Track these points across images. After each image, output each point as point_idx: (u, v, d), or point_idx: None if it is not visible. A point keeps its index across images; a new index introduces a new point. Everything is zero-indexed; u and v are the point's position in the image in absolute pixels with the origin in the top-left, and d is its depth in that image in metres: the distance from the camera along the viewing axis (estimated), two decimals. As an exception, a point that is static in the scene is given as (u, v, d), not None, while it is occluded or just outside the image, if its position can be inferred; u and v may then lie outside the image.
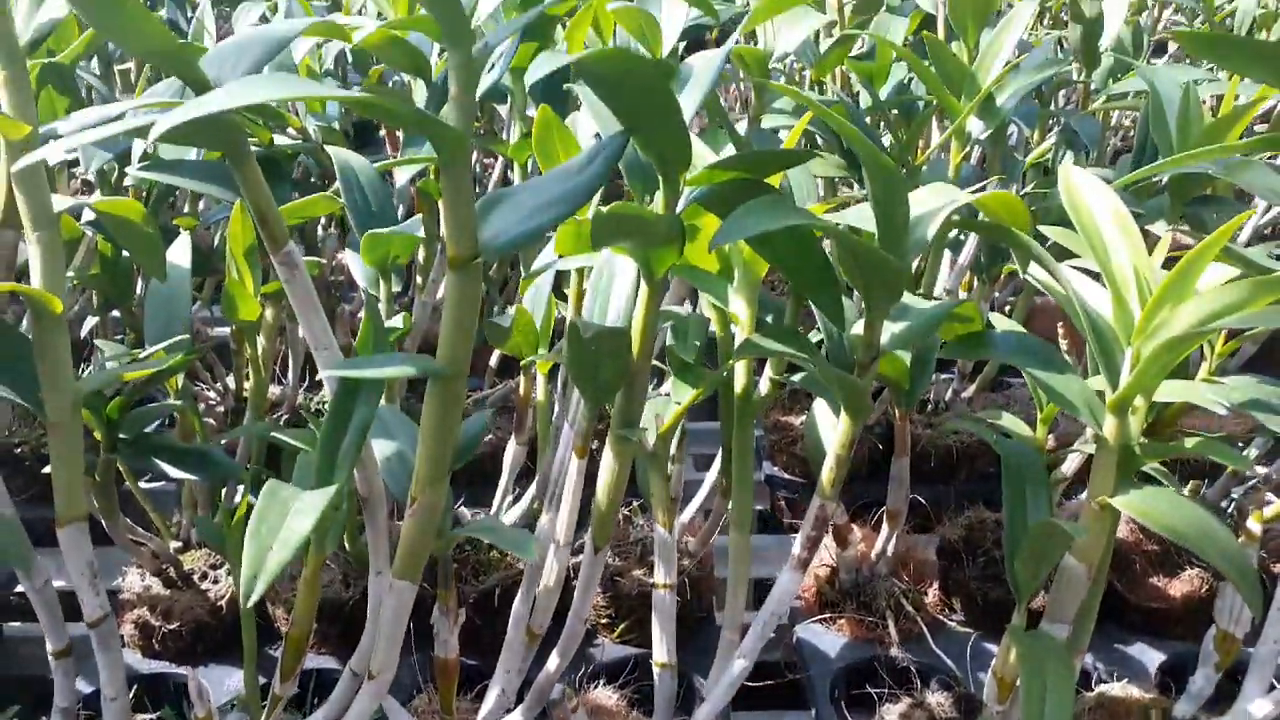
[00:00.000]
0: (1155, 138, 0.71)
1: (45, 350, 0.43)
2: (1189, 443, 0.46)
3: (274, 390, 0.82)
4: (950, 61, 0.67)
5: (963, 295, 0.91)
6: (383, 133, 1.00)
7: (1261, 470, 0.71)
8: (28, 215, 0.42)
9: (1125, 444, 0.44)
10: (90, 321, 0.71)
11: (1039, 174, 0.90)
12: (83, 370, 0.77)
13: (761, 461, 0.80)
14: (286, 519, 0.33)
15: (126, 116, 0.41)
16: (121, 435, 0.51)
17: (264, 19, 1.04)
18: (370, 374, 0.34)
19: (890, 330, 0.46)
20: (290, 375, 0.80)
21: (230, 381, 0.77)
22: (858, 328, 0.46)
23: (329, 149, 0.57)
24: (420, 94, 0.80)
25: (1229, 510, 0.67)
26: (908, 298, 0.48)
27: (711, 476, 0.71)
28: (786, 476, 0.78)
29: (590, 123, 0.58)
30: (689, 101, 0.40)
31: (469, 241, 0.35)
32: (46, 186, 0.42)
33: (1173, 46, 1.39)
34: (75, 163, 0.70)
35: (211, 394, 0.79)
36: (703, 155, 0.50)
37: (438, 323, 0.87)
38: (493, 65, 0.52)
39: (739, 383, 0.51)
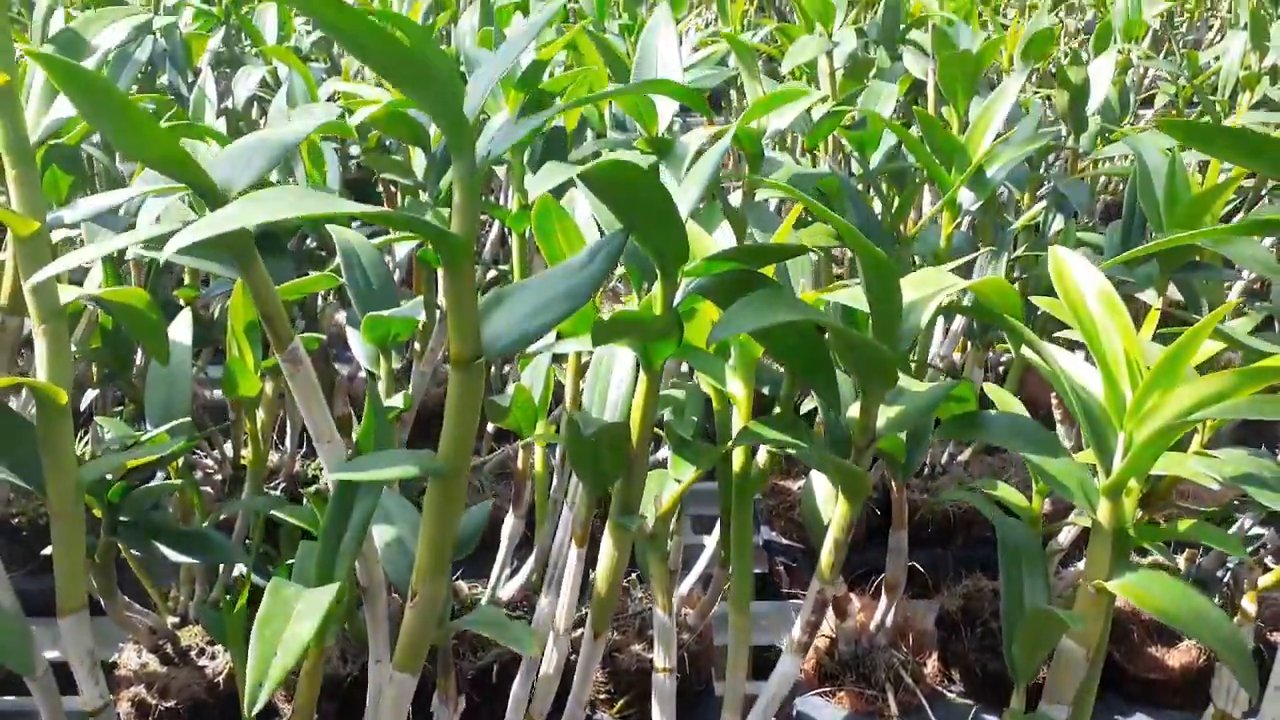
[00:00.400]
0: (1143, 205, 0.72)
1: (49, 439, 0.44)
2: (1182, 526, 0.47)
3: (272, 456, 0.82)
4: (940, 135, 0.68)
5: (956, 356, 0.92)
6: (380, 189, 1.01)
7: (1260, 530, 0.72)
8: (35, 308, 0.43)
9: (1120, 527, 0.45)
10: (90, 394, 0.72)
11: (1029, 235, 0.91)
12: (81, 438, 0.77)
13: (759, 526, 0.80)
14: (290, 622, 0.34)
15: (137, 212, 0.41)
16: (122, 518, 0.51)
17: (264, 82, 1.06)
18: (372, 476, 0.35)
19: (886, 414, 0.46)
20: (288, 441, 0.80)
21: (228, 449, 0.78)
22: (854, 410, 0.47)
23: (330, 228, 0.58)
24: (419, 162, 0.81)
25: (1224, 579, 0.67)
26: (903, 380, 0.48)
27: (710, 543, 0.72)
28: (785, 542, 0.79)
29: (588, 200, 0.59)
30: (685, 201, 0.41)
31: (472, 342, 0.36)
32: (54, 282, 0.43)
33: (1159, 102, 1.42)
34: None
35: (209, 461, 0.79)
36: (698, 238, 0.51)
37: (436, 385, 0.88)
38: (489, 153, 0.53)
39: (737, 462, 0.51)
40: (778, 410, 0.61)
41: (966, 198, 0.70)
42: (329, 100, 0.94)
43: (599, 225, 0.52)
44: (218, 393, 0.97)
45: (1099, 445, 0.45)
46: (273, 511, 0.54)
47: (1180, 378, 0.44)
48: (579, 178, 0.34)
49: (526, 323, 0.37)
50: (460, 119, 0.34)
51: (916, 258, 0.76)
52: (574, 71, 0.71)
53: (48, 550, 0.46)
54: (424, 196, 0.79)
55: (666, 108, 0.62)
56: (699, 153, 0.57)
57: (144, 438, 0.51)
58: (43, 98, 0.43)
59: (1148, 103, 1.48)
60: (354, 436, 0.75)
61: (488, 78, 0.37)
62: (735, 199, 0.75)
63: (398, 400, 0.55)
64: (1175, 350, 0.43)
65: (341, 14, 0.30)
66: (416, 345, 0.74)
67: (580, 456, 0.41)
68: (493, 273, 1.05)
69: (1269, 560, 0.70)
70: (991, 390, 0.62)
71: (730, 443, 0.48)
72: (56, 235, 0.62)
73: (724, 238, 0.58)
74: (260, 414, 0.63)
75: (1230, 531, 0.71)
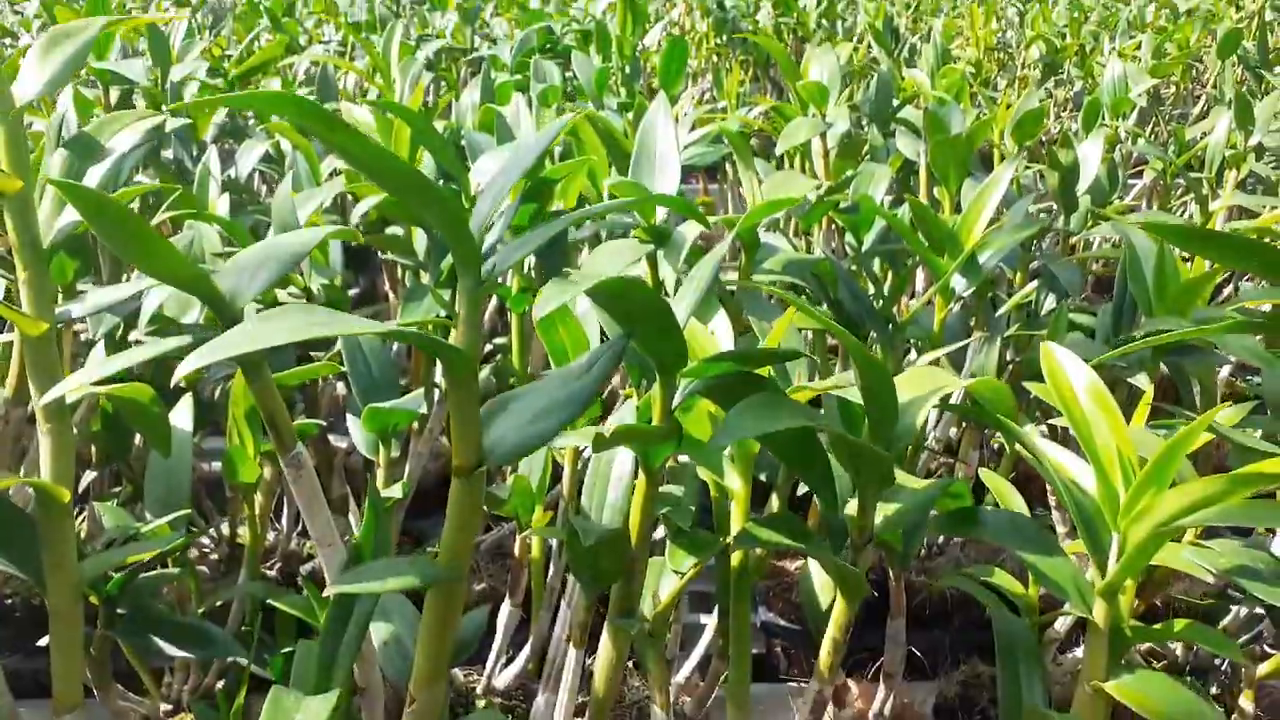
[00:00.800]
0: (1133, 290, 0.73)
1: (50, 537, 0.44)
2: (1178, 626, 0.47)
3: (268, 535, 0.82)
4: (933, 222, 0.70)
5: (953, 431, 0.93)
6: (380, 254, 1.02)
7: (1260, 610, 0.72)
8: (40, 409, 0.43)
9: (1116, 626, 0.45)
10: (89, 475, 0.72)
11: (1021, 314, 0.92)
12: (79, 518, 0.77)
13: (757, 607, 0.80)
14: (290, 737, 0.34)
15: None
16: (119, 610, 0.51)
17: (267, 157, 1.08)
18: (372, 589, 0.35)
19: (883, 512, 0.47)
20: (284, 520, 0.80)
21: (225, 528, 0.77)
22: (851, 507, 0.47)
23: (333, 316, 0.59)
24: (420, 241, 0.82)
25: (1223, 666, 0.67)
26: (900, 476, 0.49)
27: (709, 622, 0.71)
28: (783, 623, 0.78)
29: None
30: (683, 308, 0.42)
31: (474, 452, 0.36)
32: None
33: (1148, 175, 1.44)
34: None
35: (205, 539, 0.79)
36: (695, 334, 0.52)
37: (434, 459, 0.88)
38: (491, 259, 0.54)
39: (735, 557, 0.51)
40: (775, 502, 0.62)
41: (959, 283, 0.72)
42: (332, 175, 0.96)
43: (599, 319, 0.53)
44: (215, 465, 0.97)
45: (1093, 545, 0.45)
46: (270, 601, 0.54)
47: (1172, 477, 0.44)
48: (588, 293, 0.34)
49: (527, 430, 0.37)
50: (466, 238, 0.35)
51: (911, 341, 0.77)
52: (574, 161, 0.72)
53: (44, 641, 0.46)
54: (425, 276, 0.81)
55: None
56: (699, 250, 0.58)
57: (144, 530, 0.51)
58: (56, 200, 0.44)
59: (1138, 172, 1.51)
60: (351, 520, 0.75)
61: (492, 195, 0.38)
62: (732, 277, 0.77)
63: (396, 490, 0.55)
64: (1167, 451, 0.44)
65: (353, 141, 0.31)
66: (414, 423, 0.75)
67: (579, 560, 0.41)
68: (489, 345, 1.06)
69: (1268, 645, 0.70)
70: (987, 476, 0.63)
71: (729, 539, 0.48)
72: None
73: (721, 327, 0.59)
74: (259, 498, 0.63)
75: (1229, 618, 0.71)
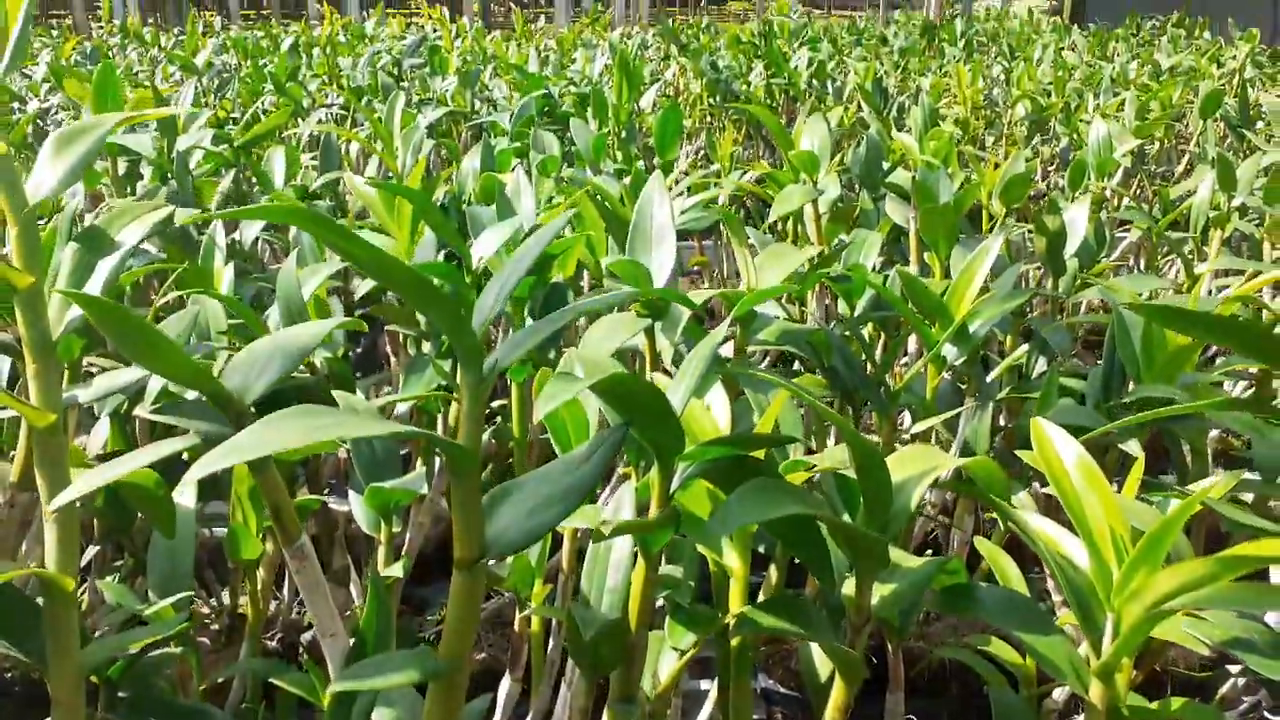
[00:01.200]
0: (1121, 356, 0.75)
1: (55, 625, 0.45)
2: (1175, 704, 0.47)
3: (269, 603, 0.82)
4: (923, 293, 0.71)
5: (949, 493, 0.93)
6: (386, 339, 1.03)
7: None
8: (46, 495, 0.44)
9: (1113, 706, 0.45)
10: (91, 550, 0.72)
11: (1013, 376, 0.93)
12: (79, 592, 0.77)
13: (756, 674, 0.80)
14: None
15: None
16: (121, 693, 0.51)
17: (271, 224, 1.09)
18: (374, 685, 0.35)
19: (880, 593, 0.47)
20: (285, 590, 0.80)
21: (226, 597, 0.78)
22: (848, 587, 0.48)
23: (335, 394, 0.60)
24: (422, 316, 0.83)
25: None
26: (896, 554, 0.49)
27: (710, 691, 0.71)
28: (783, 691, 0.78)
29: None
30: (679, 396, 0.43)
31: (476, 544, 0.37)
32: (68, 468, 0.44)
33: (1135, 233, 1.46)
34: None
35: (206, 609, 0.79)
36: (693, 414, 0.53)
37: (434, 526, 0.88)
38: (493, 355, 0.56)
39: (734, 636, 0.52)
40: (774, 573, 0.62)
41: (951, 352, 0.73)
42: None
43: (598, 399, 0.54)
44: (217, 530, 0.97)
45: (1087, 624, 0.46)
46: (271, 678, 0.54)
47: (1165, 555, 0.45)
48: (591, 388, 0.35)
49: (529, 521, 0.38)
50: (469, 335, 0.36)
51: (907, 406, 0.78)
52: (572, 237, 0.74)
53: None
54: (426, 346, 0.82)
55: (661, 276, 0.65)
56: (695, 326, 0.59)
57: (147, 612, 0.52)
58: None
59: (1127, 225, 1.53)
60: (353, 590, 0.75)
61: (495, 290, 0.39)
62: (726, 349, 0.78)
63: (396, 569, 0.56)
64: (1159, 530, 0.45)
65: (360, 248, 0.33)
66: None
67: (579, 648, 0.41)
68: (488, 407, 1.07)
69: (1266, 712, 0.70)
70: (982, 545, 0.63)
71: (729, 619, 0.48)
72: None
73: (717, 401, 0.60)
74: (261, 573, 0.64)
75: (1227, 685, 0.71)
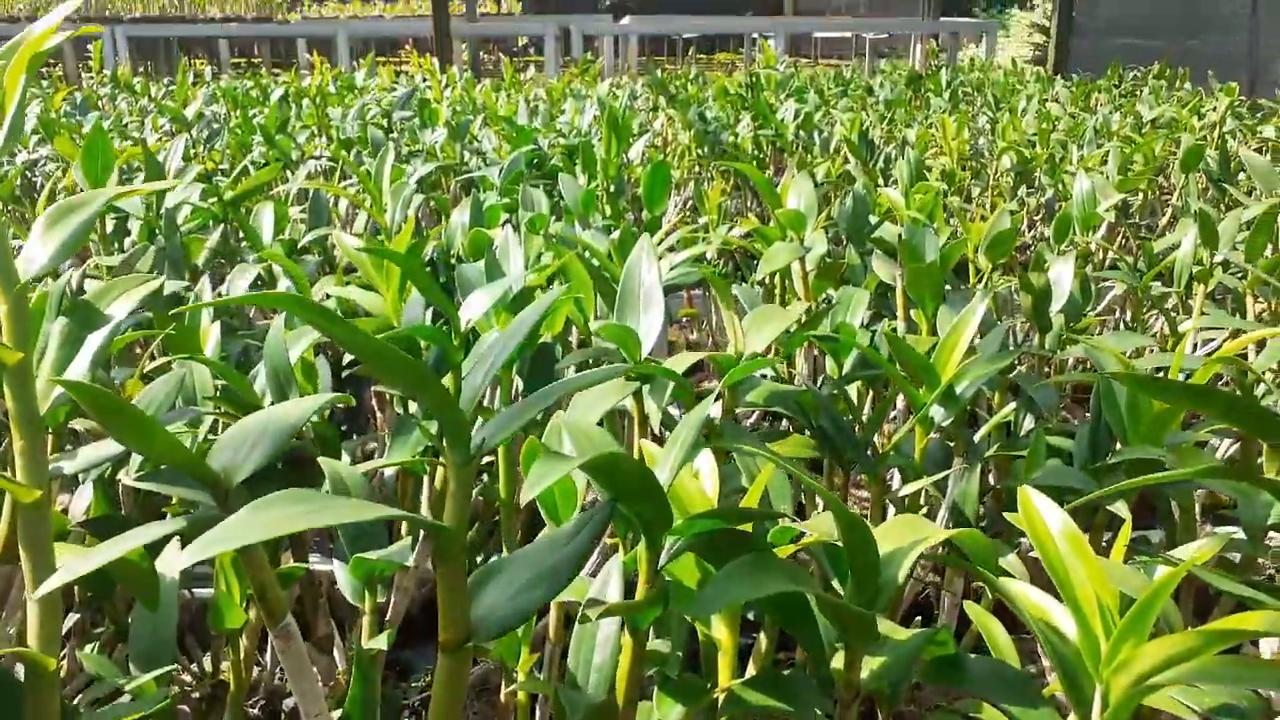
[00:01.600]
0: (1108, 417, 0.75)
1: (37, 707, 0.44)
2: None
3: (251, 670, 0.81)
4: (910, 356, 0.72)
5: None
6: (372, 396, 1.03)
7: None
8: (29, 575, 0.44)
9: (1104, 780, 0.45)
10: (72, 617, 0.71)
11: (1001, 433, 0.94)
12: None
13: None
14: None
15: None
16: (101, 771, 0.50)
17: (259, 281, 1.10)
18: (363, 772, 0.35)
19: (869, 666, 0.47)
20: (268, 656, 0.79)
21: (207, 663, 0.77)
22: (838, 661, 0.48)
23: (321, 460, 0.59)
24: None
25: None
26: (885, 626, 0.49)
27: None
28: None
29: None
30: (665, 474, 0.43)
31: (461, 627, 0.37)
32: (52, 550, 0.44)
33: (1120, 286, 1.48)
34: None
35: (187, 676, 0.78)
36: (681, 485, 0.52)
37: (418, 589, 0.87)
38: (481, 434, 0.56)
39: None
40: (764, 641, 0.62)
41: (938, 413, 0.73)
42: (325, 297, 0.97)
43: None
44: (198, 590, 0.96)
45: (1075, 696, 0.45)
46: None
47: (1153, 624, 0.45)
48: (581, 467, 0.35)
49: (515, 602, 0.38)
50: (457, 417, 0.36)
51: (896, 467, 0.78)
52: (561, 300, 0.74)
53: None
54: (414, 406, 0.82)
55: (649, 341, 0.65)
56: (692, 396, 0.59)
57: (128, 686, 0.51)
58: (54, 366, 0.45)
59: (1113, 266, 1.54)
60: (336, 655, 0.75)
61: (484, 368, 0.39)
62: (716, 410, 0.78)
63: (381, 641, 0.55)
64: (1146, 600, 0.45)
65: (348, 333, 0.33)
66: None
67: (567, 724, 0.41)
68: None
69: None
70: (972, 610, 0.63)
71: (718, 693, 0.48)
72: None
73: (705, 467, 0.60)
74: (243, 641, 0.63)
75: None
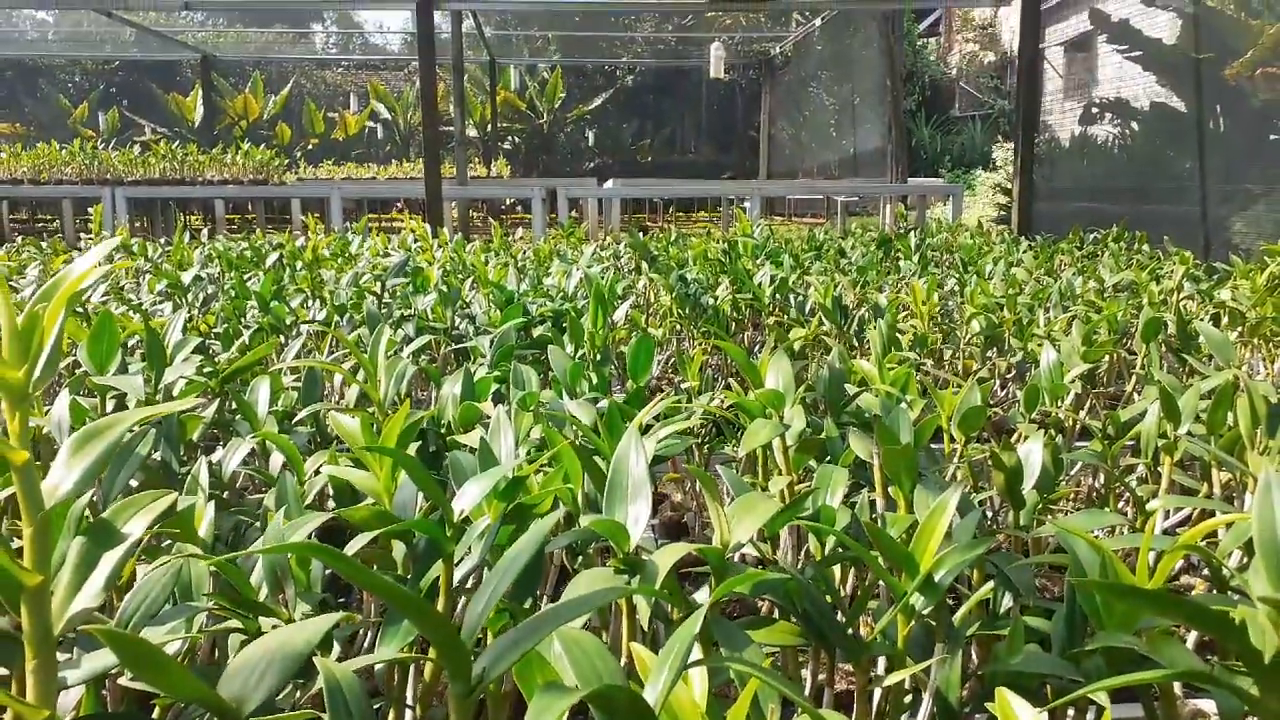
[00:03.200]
0: (1081, 602, 0.77)
1: None
2: None
3: None
4: (890, 545, 0.74)
5: None
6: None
7: None
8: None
9: None
10: None
11: (983, 611, 0.95)
12: None
13: None
14: None
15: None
16: None
17: (253, 451, 1.12)
18: None
19: None
20: None
21: None
22: None
23: (316, 660, 0.60)
24: (399, 551, 0.85)
25: None
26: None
27: None
28: None
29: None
30: (655, 693, 0.44)
31: None
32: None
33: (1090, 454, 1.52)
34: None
35: None
36: (678, 699, 0.54)
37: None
38: (481, 664, 0.57)
39: None
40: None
41: (919, 601, 0.75)
42: (316, 472, 0.99)
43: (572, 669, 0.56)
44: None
45: None
46: None
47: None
48: (584, 698, 0.37)
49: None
50: (458, 650, 0.38)
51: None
52: (550, 487, 0.77)
53: None
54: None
55: (637, 530, 0.67)
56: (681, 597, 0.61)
57: None
58: (69, 586, 0.47)
59: (1085, 433, 1.58)
60: None
61: (487, 596, 0.41)
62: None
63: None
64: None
65: (358, 573, 0.35)
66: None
67: None
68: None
69: None
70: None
71: None
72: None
73: (695, 672, 0.61)
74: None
75: None
